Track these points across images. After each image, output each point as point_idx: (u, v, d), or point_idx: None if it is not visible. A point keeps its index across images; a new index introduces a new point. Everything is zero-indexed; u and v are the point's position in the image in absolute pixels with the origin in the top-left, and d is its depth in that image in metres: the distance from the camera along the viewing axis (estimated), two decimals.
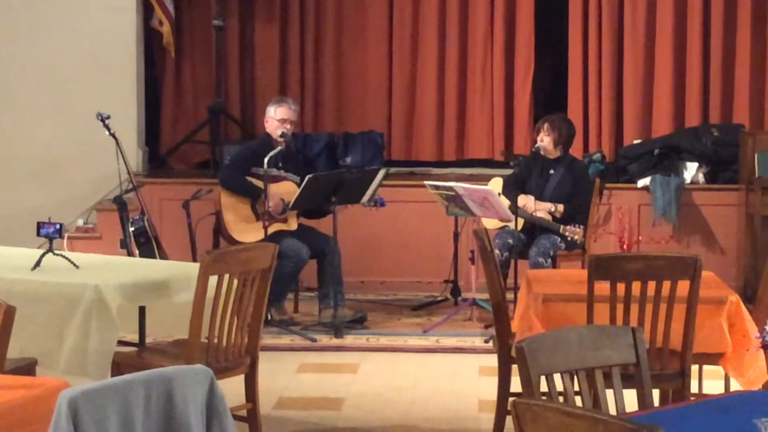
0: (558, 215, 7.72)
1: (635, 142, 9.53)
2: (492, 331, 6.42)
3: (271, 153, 7.60)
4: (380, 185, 7.97)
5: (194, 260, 7.70)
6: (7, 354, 4.06)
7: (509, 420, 5.26)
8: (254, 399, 5.35)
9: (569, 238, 7.55)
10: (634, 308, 4.90)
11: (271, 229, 7.59)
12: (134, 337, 5.82)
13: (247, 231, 7.73)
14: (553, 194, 7.80)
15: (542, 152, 7.84)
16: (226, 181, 7.86)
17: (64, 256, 5.59)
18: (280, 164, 7.86)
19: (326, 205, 7.76)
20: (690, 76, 9.67)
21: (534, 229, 7.78)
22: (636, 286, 4.90)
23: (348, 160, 9.49)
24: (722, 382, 5.49)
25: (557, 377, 3.42)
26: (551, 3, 9.99)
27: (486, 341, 7.42)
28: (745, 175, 8.81)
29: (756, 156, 8.60)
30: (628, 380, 3.59)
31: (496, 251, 6.88)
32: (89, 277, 5.34)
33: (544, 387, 3.36)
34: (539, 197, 7.79)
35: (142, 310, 5.60)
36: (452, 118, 9.97)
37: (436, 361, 7.19)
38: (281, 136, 7.76)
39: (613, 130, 9.80)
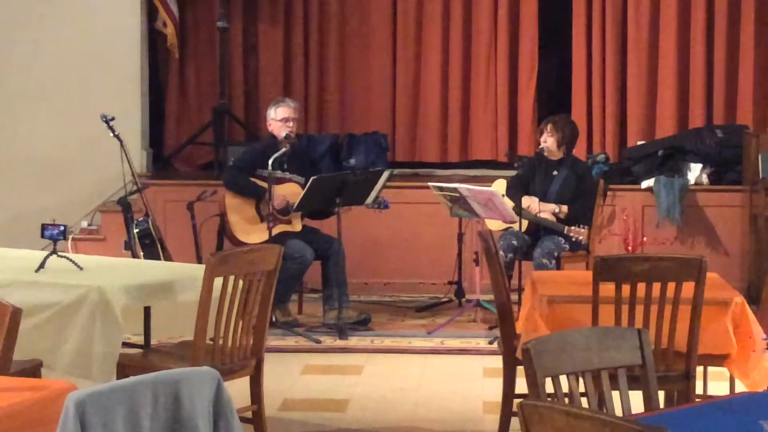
0: (562, 216, 7.73)
1: (639, 143, 9.53)
2: (496, 332, 6.42)
3: (276, 154, 7.60)
4: (384, 186, 7.97)
5: (199, 262, 7.71)
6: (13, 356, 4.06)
7: (514, 421, 5.26)
8: (259, 400, 5.35)
9: (574, 239, 7.55)
10: (639, 309, 4.90)
11: (275, 231, 7.60)
12: (139, 339, 5.83)
13: (251, 232, 7.73)
14: (557, 195, 7.81)
15: (546, 153, 7.84)
16: (231, 182, 7.87)
17: (68, 258, 5.59)
18: (285, 165, 7.87)
19: (330, 207, 7.76)
20: (693, 77, 9.68)
21: (538, 230, 7.78)
22: (641, 288, 4.90)
23: (352, 161, 9.50)
24: (727, 384, 5.49)
25: (563, 379, 3.43)
26: (555, 5, 9.99)
27: (490, 342, 7.41)
28: (748, 176, 8.81)
29: (760, 157, 8.59)
30: (634, 382, 3.59)
31: (501, 253, 6.89)
32: (93, 278, 5.34)
33: (549, 388, 3.37)
34: (543, 198, 7.80)
35: (147, 312, 5.60)
36: (456, 120, 9.98)
37: (441, 362, 7.20)
38: (286, 137, 7.77)
39: (616, 132, 9.81)
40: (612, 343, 3.54)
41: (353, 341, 7.60)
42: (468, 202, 7.69)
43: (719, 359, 5.21)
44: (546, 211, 7.74)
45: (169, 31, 9.67)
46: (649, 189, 9.03)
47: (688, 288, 4.91)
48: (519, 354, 5.06)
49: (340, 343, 7.56)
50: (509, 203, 7.66)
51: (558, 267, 7.61)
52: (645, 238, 6.28)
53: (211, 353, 5.08)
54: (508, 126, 9.94)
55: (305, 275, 7.95)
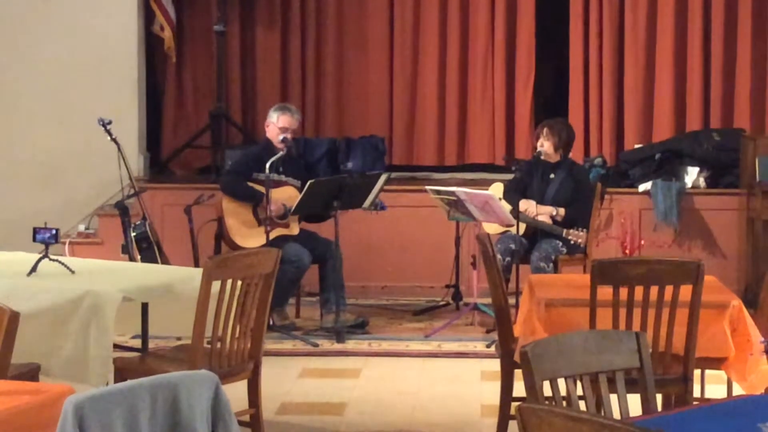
0: (559, 219, 7.73)
1: (636, 146, 9.54)
2: (494, 335, 6.43)
3: (273, 158, 7.61)
4: (381, 190, 7.97)
5: (196, 265, 7.70)
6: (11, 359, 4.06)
7: (512, 425, 5.26)
8: (257, 404, 5.35)
9: (573, 242, 7.56)
10: (637, 313, 4.90)
11: (272, 234, 7.60)
12: (136, 343, 5.82)
13: (249, 236, 7.73)
14: (554, 198, 7.82)
15: (543, 157, 7.85)
16: (228, 186, 7.87)
17: (59, 262, 5.58)
18: (282, 169, 7.87)
19: (328, 210, 7.77)
20: (691, 80, 9.69)
21: (535, 233, 7.79)
22: (638, 291, 4.90)
23: (349, 164, 9.50)
24: (725, 387, 5.50)
25: (561, 382, 3.43)
26: (552, 8, 10.00)
27: (488, 346, 7.41)
28: (746, 179, 8.82)
29: (757, 160, 8.60)
30: (631, 385, 3.60)
31: (498, 256, 6.89)
32: (84, 282, 5.33)
33: (547, 392, 3.37)
34: (540, 201, 7.81)
35: (144, 316, 5.59)
36: (453, 123, 9.98)
37: (438, 366, 7.19)
38: (282, 141, 7.78)
39: (614, 135, 9.81)
40: (610, 346, 3.55)
41: (351, 345, 7.60)
42: (465, 206, 7.69)
43: (717, 362, 5.21)
44: (543, 214, 7.75)
45: (167, 34, 9.68)
46: (646, 192, 9.04)
47: (686, 291, 4.91)
48: (517, 357, 5.08)
49: (337, 346, 7.56)
50: (507, 207, 7.66)
51: (555, 270, 7.62)
52: (642, 242, 6.28)
53: (208, 357, 5.08)
54: (505, 129, 9.95)
55: (303, 279, 7.95)
